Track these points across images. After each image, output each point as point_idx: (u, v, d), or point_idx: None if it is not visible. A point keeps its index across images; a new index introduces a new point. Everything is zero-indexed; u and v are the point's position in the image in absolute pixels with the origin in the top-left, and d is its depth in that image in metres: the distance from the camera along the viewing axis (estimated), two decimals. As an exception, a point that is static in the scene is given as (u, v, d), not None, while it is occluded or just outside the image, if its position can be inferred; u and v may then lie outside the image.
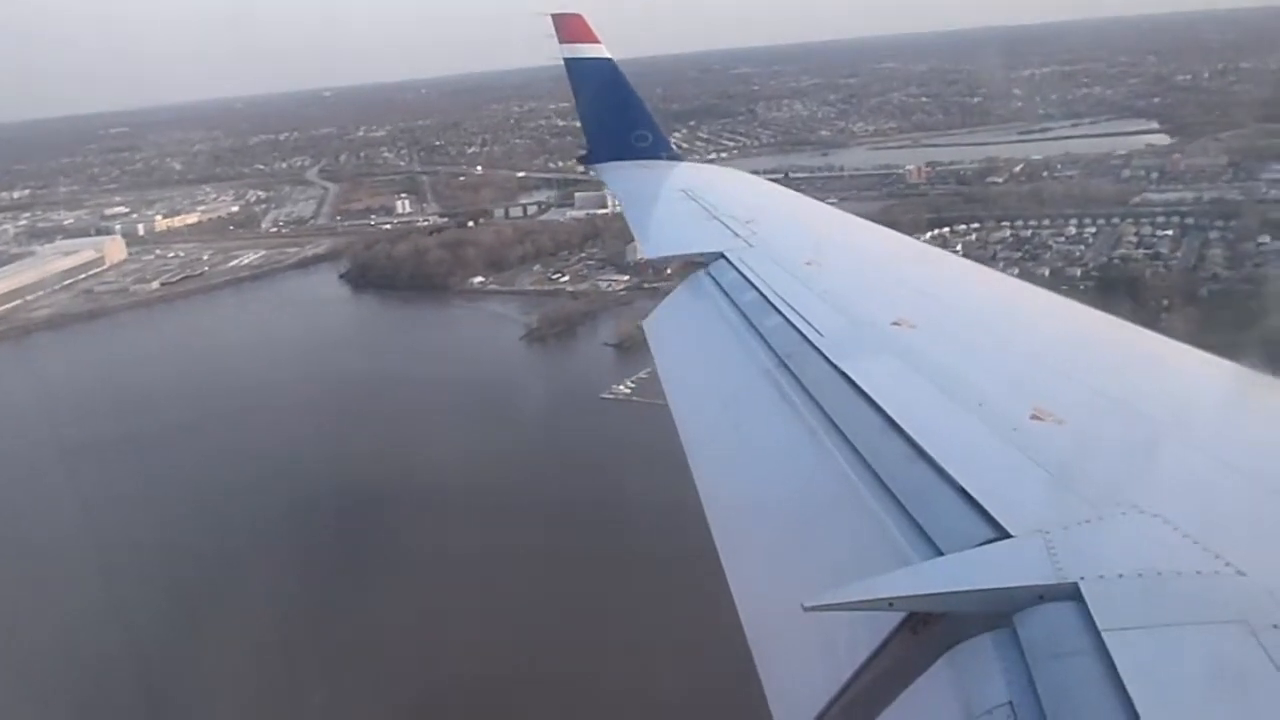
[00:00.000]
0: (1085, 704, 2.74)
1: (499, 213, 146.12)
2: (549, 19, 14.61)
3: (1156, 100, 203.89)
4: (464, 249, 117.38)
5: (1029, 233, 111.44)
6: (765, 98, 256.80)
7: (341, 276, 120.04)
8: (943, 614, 3.40)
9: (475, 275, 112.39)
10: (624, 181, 14.47)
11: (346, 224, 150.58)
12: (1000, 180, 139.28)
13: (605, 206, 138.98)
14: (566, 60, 14.58)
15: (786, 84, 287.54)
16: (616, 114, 15.13)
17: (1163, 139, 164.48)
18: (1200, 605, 3.07)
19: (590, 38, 14.61)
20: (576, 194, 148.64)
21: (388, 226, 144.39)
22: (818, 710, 3.57)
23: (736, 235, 9.86)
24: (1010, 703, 2.88)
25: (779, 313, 7.20)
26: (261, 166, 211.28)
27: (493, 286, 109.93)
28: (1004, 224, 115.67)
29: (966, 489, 4.02)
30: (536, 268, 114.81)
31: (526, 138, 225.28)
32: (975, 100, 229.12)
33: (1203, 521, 3.56)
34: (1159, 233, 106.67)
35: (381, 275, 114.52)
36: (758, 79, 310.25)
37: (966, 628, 3.30)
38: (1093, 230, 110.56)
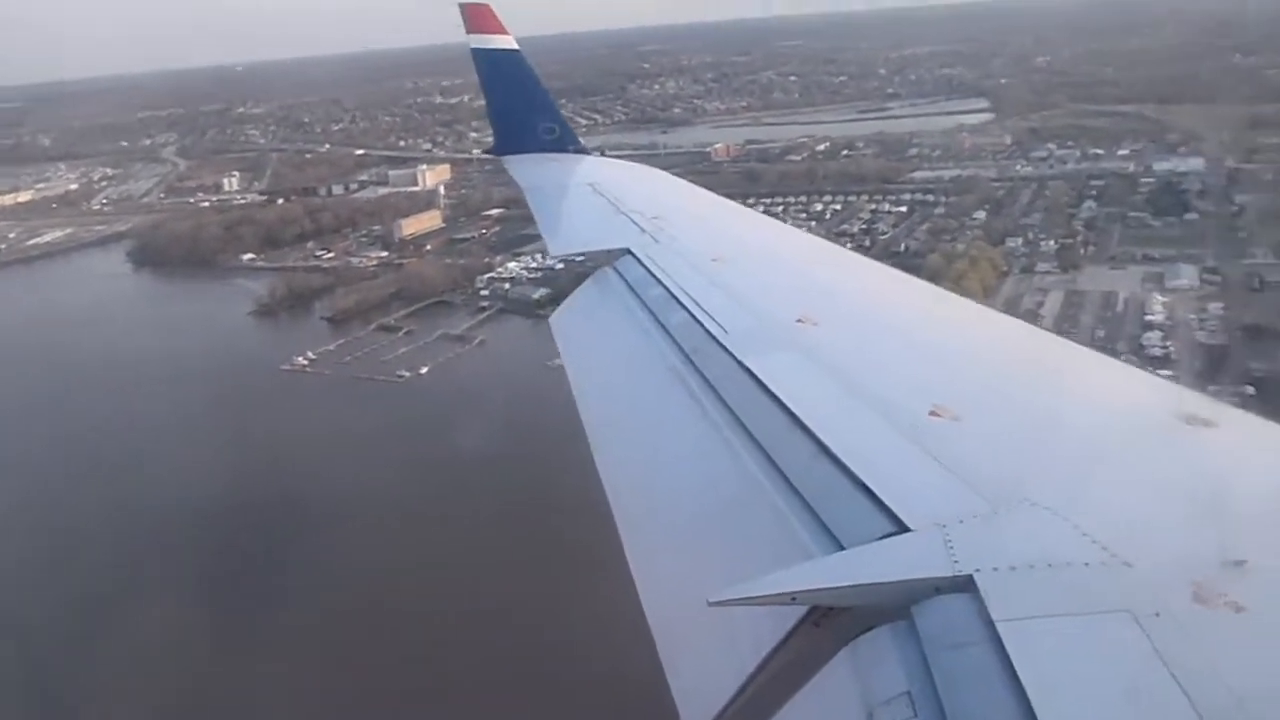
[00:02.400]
0: (980, 692, 2.84)
1: (327, 190, 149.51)
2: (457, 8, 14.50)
3: (1003, 81, 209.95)
4: (243, 227, 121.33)
5: (780, 208, 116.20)
6: (645, 76, 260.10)
7: (128, 254, 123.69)
8: (844, 607, 3.50)
9: (247, 252, 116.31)
10: (530, 175, 14.32)
11: (169, 202, 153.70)
12: (799, 158, 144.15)
13: (416, 184, 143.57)
14: (473, 50, 14.45)
15: (678, 62, 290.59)
16: (523, 106, 14.99)
17: (982, 118, 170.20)
18: (1089, 595, 3.19)
19: (498, 29, 14.45)
20: (390, 172, 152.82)
21: (206, 204, 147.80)
22: (723, 704, 3.65)
23: (643, 231, 9.79)
24: (908, 692, 2.97)
25: (685, 309, 7.17)
26: (125, 144, 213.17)
27: (260, 263, 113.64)
28: (765, 199, 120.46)
29: (868, 484, 4.12)
30: (310, 244, 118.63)
31: (397, 114, 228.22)
32: (838, 80, 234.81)
33: (1091, 514, 3.69)
34: (892, 209, 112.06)
35: (160, 253, 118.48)
36: (656, 57, 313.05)
37: (867, 620, 3.39)
38: (837, 206, 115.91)
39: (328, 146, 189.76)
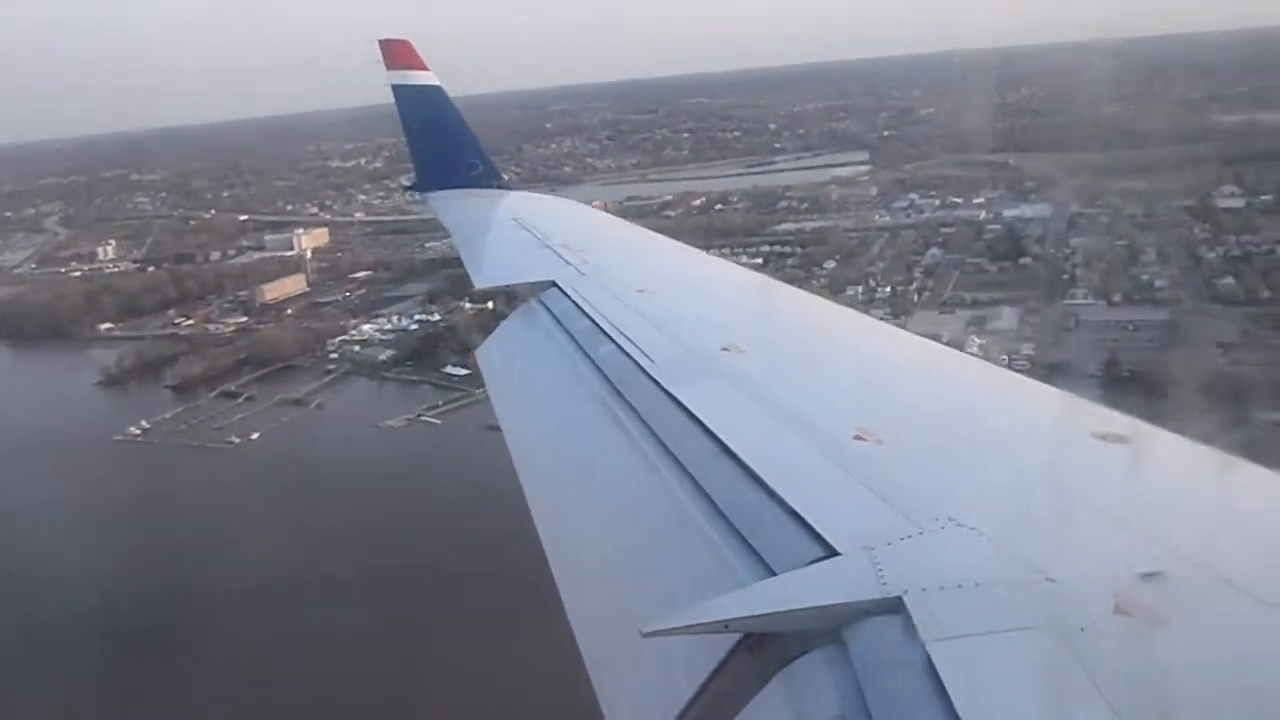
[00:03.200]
0: (911, 714, 2.88)
1: (204, 257, 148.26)
2: (377, 45, 14.47)
3: (886, 133, 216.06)
4: (105, 296, 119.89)
5: None
6: (544, 136, 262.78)
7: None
8: (777, 633, 3.54)
9: (105, 322, 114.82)
10: (454, 211, 14.26)
11: (40, 272, 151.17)
12: (673, 214, 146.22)
13: (291, 249, 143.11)
14: (394, 87, 14.41)
15: (581, 121, 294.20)
16: (445, 142, 14.94)
17: (857, 170, 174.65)
18: (1014, 612, 3.27)
19: (418, 64, 14.46)
20: (266, 237, 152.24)
21: (77, 274, 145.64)
22: None
23: (568, 264, 9.89)
24: (842, 716, 3.03)
25: (612, 340, 7.25)
26: (9, 214, 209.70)
27: (117, 332, 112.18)
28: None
29: (796, 509, 4.20)
30: (171, 312, 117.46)
31: (292, 179, 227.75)
32: (731, 135, 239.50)
33: (1014, 532, 3.80)
34: (749, 261, 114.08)
35: (14, 324, 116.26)
36: (561, 116, 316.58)
37: (799, 645, 3.43)
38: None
39: (213, 213, 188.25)
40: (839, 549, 3.84)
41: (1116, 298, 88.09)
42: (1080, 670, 2.95)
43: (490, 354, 9.48)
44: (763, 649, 3.56)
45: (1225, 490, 4.69)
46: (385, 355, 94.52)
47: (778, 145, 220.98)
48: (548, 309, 8.85)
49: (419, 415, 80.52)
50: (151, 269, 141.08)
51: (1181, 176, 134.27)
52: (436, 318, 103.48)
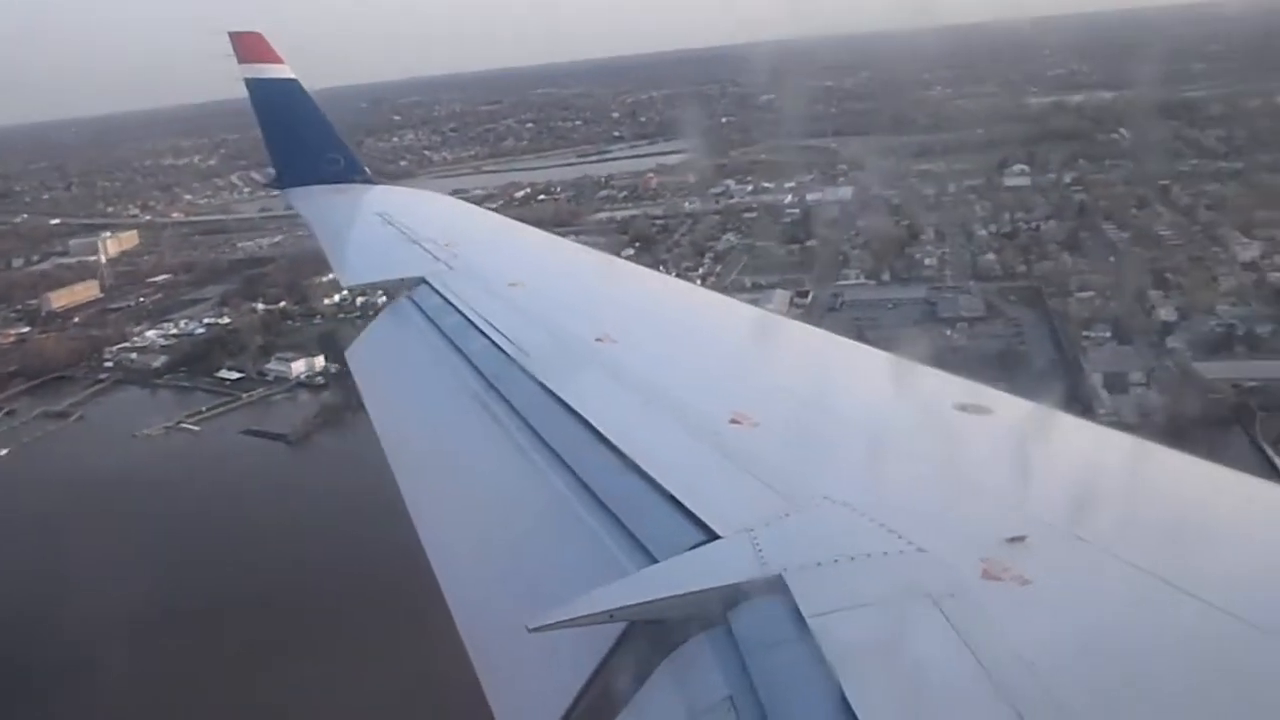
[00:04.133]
0: (797, 689, 2.97)
1: (6, 263, 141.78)
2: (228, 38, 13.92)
3: (724, 120, 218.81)
4: None
5: None
6: (389, 129, 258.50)
7: None
8: (662, 619, 3.54)
9: None
10: (316, 207, 13.79)
11: None
12: (494, 206, 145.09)
13: (96, 253, 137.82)
14: (247, 81, 13.94)
15: (430, 112, 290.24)
16: (304, 136, 14.51)
17: (686, 157, 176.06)
18: (889, 583, 3.39)
19: (272, 57, 13.99)
20: (71, 241, 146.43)
21: None
22: None
23: (437, 259, 9.72)
24: (730, 697, 3.05)
25: (484, 335, 7.19)
26: None
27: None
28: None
29: (675, 495, 4.25)
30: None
31: (118, 179, 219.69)
32: (572, 125, 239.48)
33: (885, 506, 3.91)
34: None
35: None
36: (412, 108, 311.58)
37: (685, 630, 3.47)
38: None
39: (24, 217, 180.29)
40: (719, 532, 3.89)
41: (886, 277, 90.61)
42: (954, 636, 3.06)
43: (360, 353, 9.26)
44: (648, 636, 3.59)
45: (1082, 455, 4.92)
46: (160, 361, 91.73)
47: (616, 134, 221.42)
48: (418, 305, 8.72)
49: (178, 423, 78.30)
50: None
51: (982, 157, 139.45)
52: (226, 320, 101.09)
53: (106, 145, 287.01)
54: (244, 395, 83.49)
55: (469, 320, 7.74)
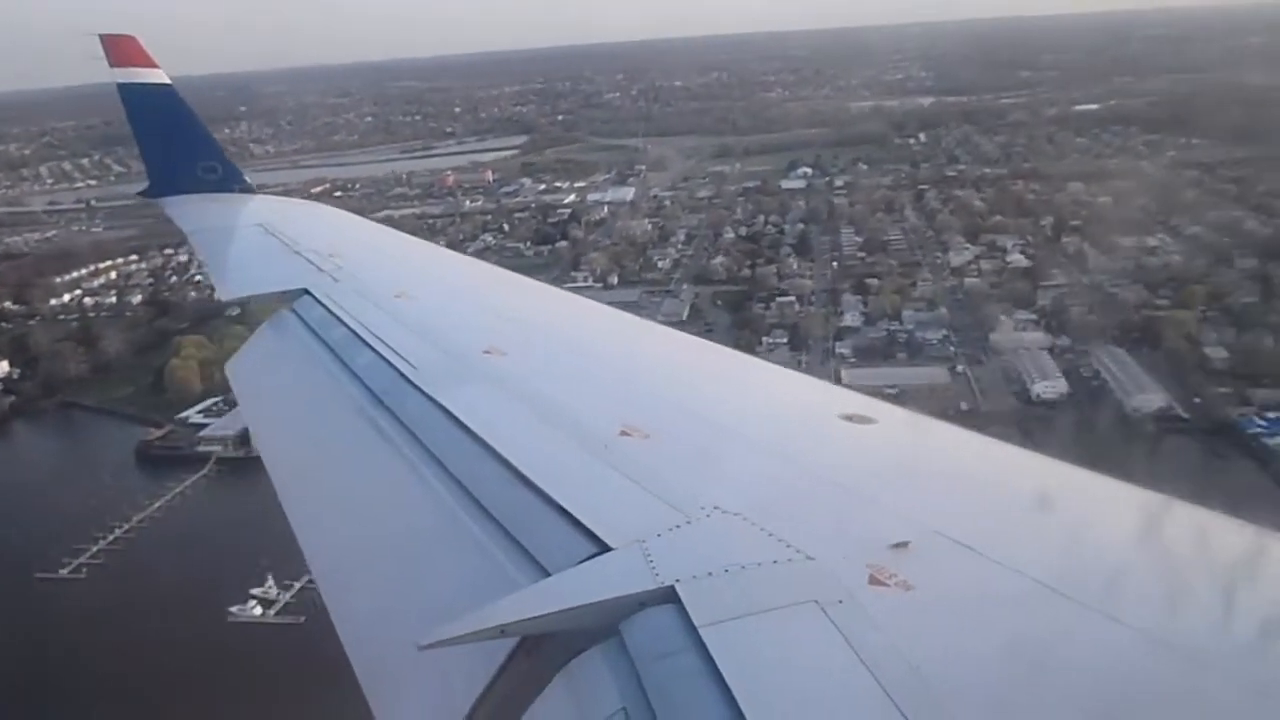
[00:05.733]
0: (689, 699, 2.93)
1: None
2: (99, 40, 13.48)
3: (560, 118, 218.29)
4: None
5: None
6: (229, 120, 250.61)
7: None
8: (554, 633, 3.50)
9: None
10: (192, 217, 13.29)
11: None
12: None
13: None
14: (119, 85, 13.38)
15: (284, 103, 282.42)
16: (179, 144, 14.01)
17: (502, 155, 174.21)
18: (779, 591, 3.37)
19: (146, 61, 13.56)
20: None
21: None
22: None
23: (321, 270, 9.44)
24: (624, 709, 3.03)
25: (370, 348, 7.03)
26: None
27: None
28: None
29: (566, 508, 4.19)
30: None
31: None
32: (410, 119, 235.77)
33: (774, 515, 3.88)
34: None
35: None
36: (274, 98, 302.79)
37: (578, 643, 3.41)
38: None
39: None
40: (611, 544, 3.86)
41: (614, 279, 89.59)
42: (842, 641, 3.10)
43: (241, 367, 8.84)
44: (541, 650, 3.58)
45: (962, 463, 4.95)
46: None
47: (449, 130, 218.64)
48: (301, 318, 8.46)
49: None
50: None
51: (779, 159, 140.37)
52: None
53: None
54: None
55: (354, 333, 7.55)
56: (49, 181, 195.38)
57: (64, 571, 53.27)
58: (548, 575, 3.94)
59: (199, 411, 71.76)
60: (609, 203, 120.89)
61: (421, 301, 8.46)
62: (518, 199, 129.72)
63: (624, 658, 3.28)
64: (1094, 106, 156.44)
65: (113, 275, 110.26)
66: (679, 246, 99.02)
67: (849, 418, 5.24)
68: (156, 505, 59.80)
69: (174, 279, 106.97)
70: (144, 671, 42.33)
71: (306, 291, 8.97)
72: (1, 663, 44.11)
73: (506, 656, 3.68)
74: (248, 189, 14.76)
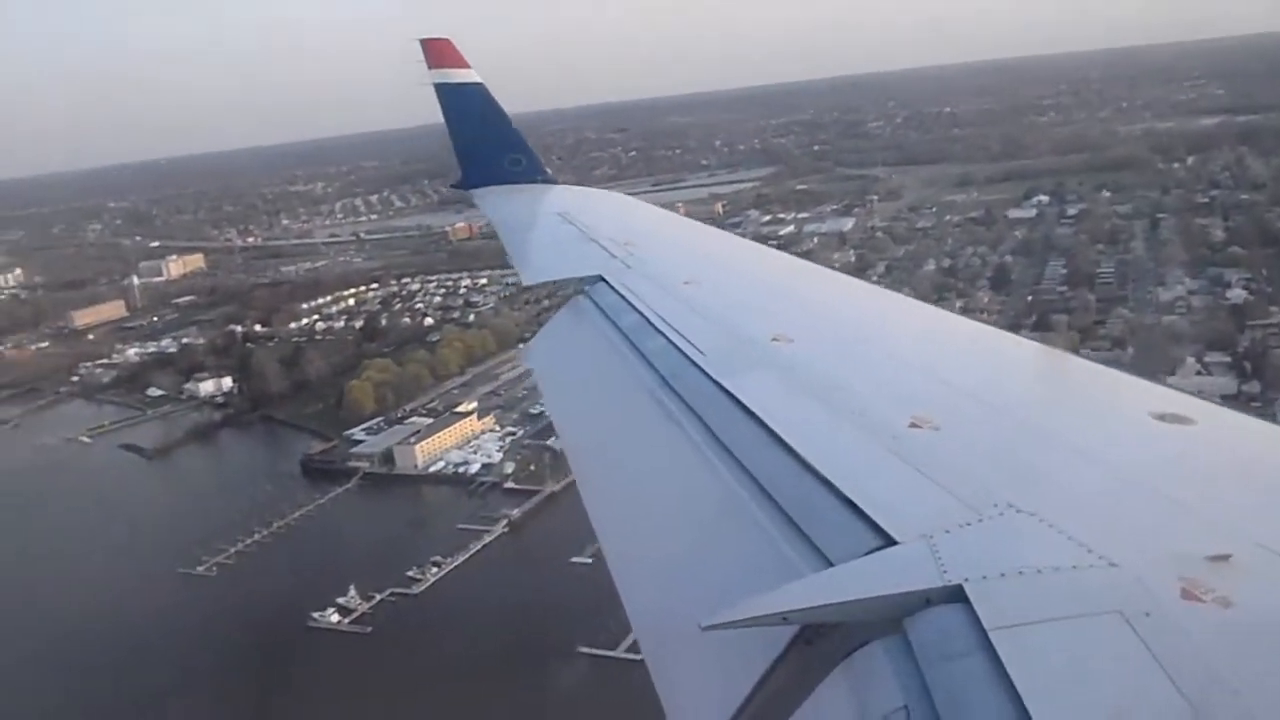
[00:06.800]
0: (976, 703, 2.82)
1: (96, 281, 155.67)
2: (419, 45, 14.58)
3: (816, 148, 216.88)
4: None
5: (451, 283, 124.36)
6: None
7: None
8: (836, 624, 3.47)
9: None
10: (498, 206, 14.20)
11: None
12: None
13: (160, 275, 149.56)
14: (436, 85, 14.56)
15: (560, 140, 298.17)
16: (488, 138, 14.97)
17: (743, 187, 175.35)
18: (1078, 599, 3.19)
19: (460, 62, 14.71)
20: (141, 263, 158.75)
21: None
22: None
23: (614, 257, 9.79)
24: (905, 707, 2.94)
25: (660, 333, 7.18)
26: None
27: None
28: (439, 275, 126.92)
29: (852, 499, 4.11)
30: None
31: (238, 206, 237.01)
32: (672, 153, 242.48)
33: (1075, 517, 3.70)
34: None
35: None
36: (561, 134, 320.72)
37: (859, 636, 3.35)
38: (483, 280, 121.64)
39: (137, 238, 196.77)
40: (897, 538, 3.75)
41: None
42: (1149, 657, 2.88)
43: (539, 351, 9.55)
44: (822, 640, 3.53)
45: None
46: (110, 378, 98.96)
47: (704, 162, 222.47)
48: (595, 303, 8.70)
49: (79, 435, 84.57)
50: (24, 294, 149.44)
51: (1023, 186, 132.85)
52: (199, 341, 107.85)
53: (255, 173, 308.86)
54: (149, 412, 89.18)
55: (645, 319, 7.60)
56: (339, 215, 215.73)
57: (200, 569, 58.95)
58: (831, 565, 3.82)
59: (362, 429, 77.01)
60: (822, 233, 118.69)
61: (710, 288, 8.37)
62: (739, 230, 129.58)
63: (907, 655, 3.13)
64: None
65: (350, 302, 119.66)
66: (873, 279, 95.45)
67: (1163, 417, 4.86)
68: (297, 514, 64.75)
69: (398, 306, 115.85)
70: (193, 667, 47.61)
71: (601, 277, 9.02)
72: (106, 639, 50.42)
73: (787, 643, 3.57)
74: (549, 180, 15.20)
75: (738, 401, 5.47)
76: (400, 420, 78.64)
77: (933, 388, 5.61)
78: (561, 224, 11.99)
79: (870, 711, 3.02)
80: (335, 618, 52.11)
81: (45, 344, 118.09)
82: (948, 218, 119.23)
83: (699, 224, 13.37)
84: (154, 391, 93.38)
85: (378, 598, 53.16)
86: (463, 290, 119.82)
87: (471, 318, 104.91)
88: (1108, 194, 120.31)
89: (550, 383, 8.66)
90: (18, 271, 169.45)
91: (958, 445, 4.61)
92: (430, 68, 14.33)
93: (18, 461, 79.90)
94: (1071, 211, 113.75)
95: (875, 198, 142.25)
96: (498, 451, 71.08)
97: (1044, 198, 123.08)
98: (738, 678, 3.63)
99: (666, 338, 6.91)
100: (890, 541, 3.71)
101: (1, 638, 51.72)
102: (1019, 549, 3.49)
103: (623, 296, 8.29)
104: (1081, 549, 3.43)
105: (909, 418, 4.81)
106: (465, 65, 14.60)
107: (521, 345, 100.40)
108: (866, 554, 3.70)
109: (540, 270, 10.87)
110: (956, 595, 3.21)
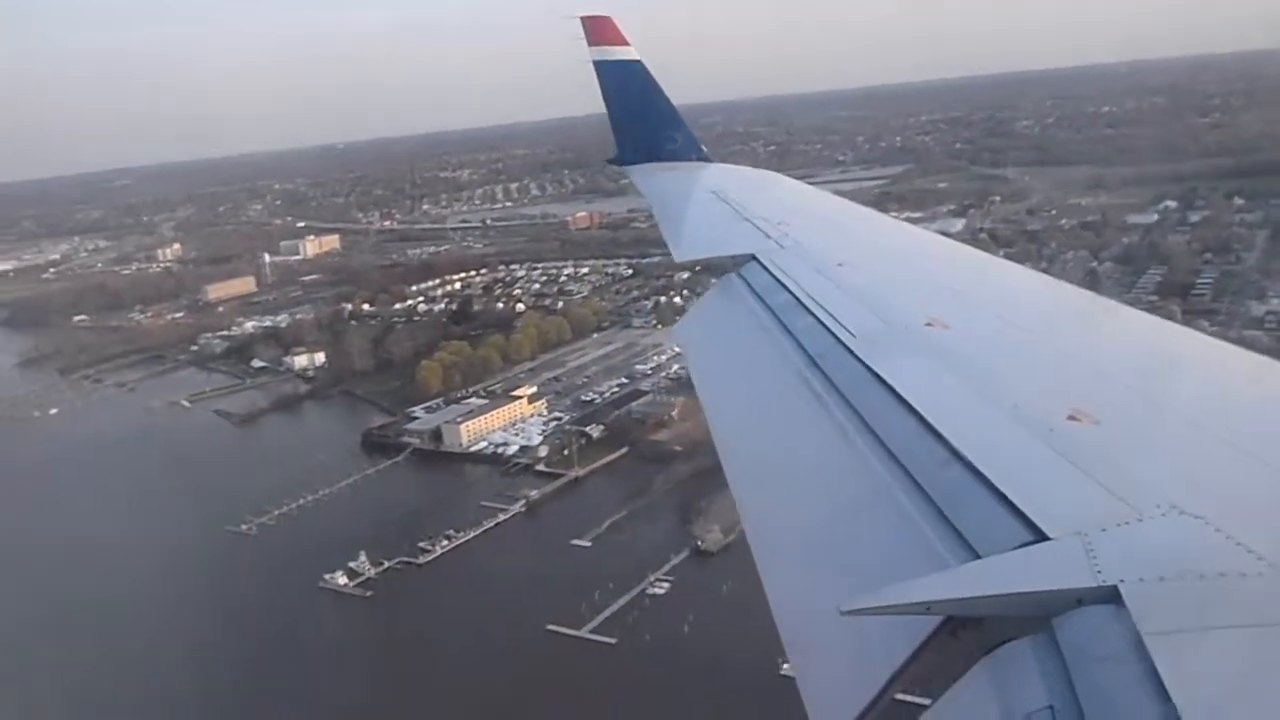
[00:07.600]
0: (1127, 708, 2.67)
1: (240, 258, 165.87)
2: (579, 21, 14.65)
3: (958, 146, 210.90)
4: (90, 294, 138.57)
5: (555, 270, 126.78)
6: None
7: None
8: (981, 617, 3.35)
9: (81, 314, 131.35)
10: (653, 183, 14.29)
11: (102, 270, 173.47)
12: (643, 225, 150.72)
13: (298, 253, 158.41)
14: (595, 63, 14.57)
15: (721, 129, 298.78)
16: (645, 116, 15.01)
17: (875, 183, 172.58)
18: (1245, 608, 2.98)
19: (619, 40, 14.59)
20: (281, 242, 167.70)
21: (127, 271, 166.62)
22: (856, 714, 3.50)
23: (768, 236, 9.60)
24: (1051, 707, 2.82)
25: (811, 314, 6.95)
26: (146, 218, 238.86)
27: (86, 323, 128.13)
28: (546, 263, 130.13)
29: (1003, 491, 3.92)
30: (138, 308, 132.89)
31: (388, 190, 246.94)
32: (815, 148, 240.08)
33: (1244, 522, 3.43)
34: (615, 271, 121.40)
35: (9, 311, 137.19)
36: (711, 126, 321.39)
37: (1004, 631, 3.23)
38: (584, 270, 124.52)
39: (288, 219, 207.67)
40: (1049, 533, 3.54)
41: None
42: None
43: (688, 327, 9.57)
44: (966, 633, 3.37)
45: None
46: (223, 348, 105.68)
47: (840, 158, 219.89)
48: (746, 282, 8.62)
49: (181, 400, 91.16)
50: (175, 268, 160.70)
51: (1155, 190, 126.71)
52: (308, 316, 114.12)
53: (422, 159, 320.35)
54: (248, 381, 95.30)
55: (796, 299, 7.47)
56: (477, 201, 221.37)
57: (244, 527, 63.27)
58: (978, 557, 3.72)
59: (422, 407, 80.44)
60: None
61: (864, 269, 8.22)
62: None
63: (1055, 654, 3.02)
64: None
65: (456, 285, 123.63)
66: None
67: None
68: (344, 482, 68.21)
69: (498, 291, 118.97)
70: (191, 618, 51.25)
71: (753, 256, 8.96)
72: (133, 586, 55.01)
73: (929, 634, 3.44)
74: (704, 157, 15.08)
75: (887, 386, 5.35)
76: (458, 400, 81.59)
77: (1094, 380, 5.43)
78: (715, 202, 11.97)
79: (1013, 709, 2.93)
80: (343, 580, 55.32)
81: (180, 314, 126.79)
82: (1062, 221, 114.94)
83: (856, 205, 13.11)
84: (257, 363, 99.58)
85: (385, 565, 56.25)
86: (563, 279, 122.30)
87: (560, 305, 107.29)
88: (1239, 201, 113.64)
89: (697, 359, 8.58)
90: (176, 247, 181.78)
91: (1118, 441, 4.44)
92: (590, 45, 14.39)
93: (124, 420, 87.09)
94: (1194, 218, 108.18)
95: (997, 198, 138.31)
96: (538, 435, 73.16)
97: (1171, 203, 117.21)
98: (876, 665, 3.54)
99: (817, 318, 6.82)
100: (1042, 537, 3.57)
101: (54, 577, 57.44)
102: (1181, 552, 3.31)
103: (774, 276, 8.19)
104: (1250, 556, 3.23)
105: (1068, 410, 4.62)
106: (625, 43, 14.59)
107: (596, 335, 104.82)
108: (1016, 548, 3.58)
109: (692, 247, 10.82)
110: (1110, 596, 3.07)
